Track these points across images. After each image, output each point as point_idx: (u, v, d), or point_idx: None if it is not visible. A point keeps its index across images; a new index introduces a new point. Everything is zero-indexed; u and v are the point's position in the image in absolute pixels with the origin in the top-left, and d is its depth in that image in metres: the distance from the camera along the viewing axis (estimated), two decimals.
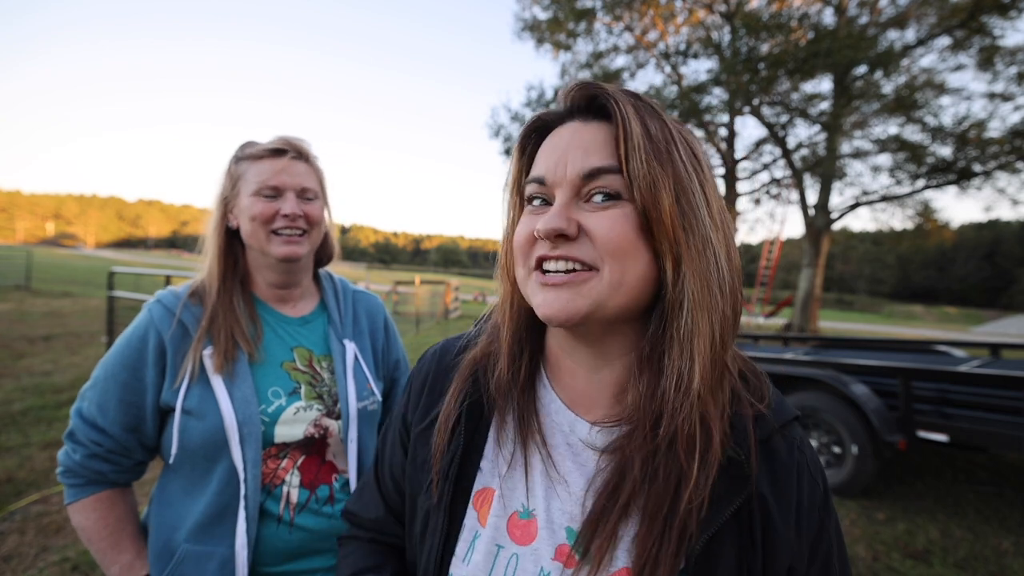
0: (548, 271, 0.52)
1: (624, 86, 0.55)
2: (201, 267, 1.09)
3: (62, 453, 0.98)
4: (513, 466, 0.58)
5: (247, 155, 1.06)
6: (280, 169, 1.03)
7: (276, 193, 1.03)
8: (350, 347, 1.14)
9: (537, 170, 0.55)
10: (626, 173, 0.49)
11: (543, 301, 0.52)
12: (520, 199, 0.60)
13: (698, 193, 0.51)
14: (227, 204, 1.07)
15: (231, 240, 1.09)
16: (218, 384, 0.96)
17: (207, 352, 0.98)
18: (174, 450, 0.95)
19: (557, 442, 0.58)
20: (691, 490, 0.48)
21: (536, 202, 0.55)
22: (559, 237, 0.51)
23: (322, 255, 1.21)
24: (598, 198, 0.51)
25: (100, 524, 0.96)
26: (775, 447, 0.54)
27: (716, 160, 16.38)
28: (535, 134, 0.59)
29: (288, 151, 1.05)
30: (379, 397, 1.16)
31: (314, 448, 1.04)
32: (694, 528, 0.48)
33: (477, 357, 0.64)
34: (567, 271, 0.51)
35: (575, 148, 0.52)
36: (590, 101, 0.54)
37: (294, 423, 1.01)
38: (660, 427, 0.50)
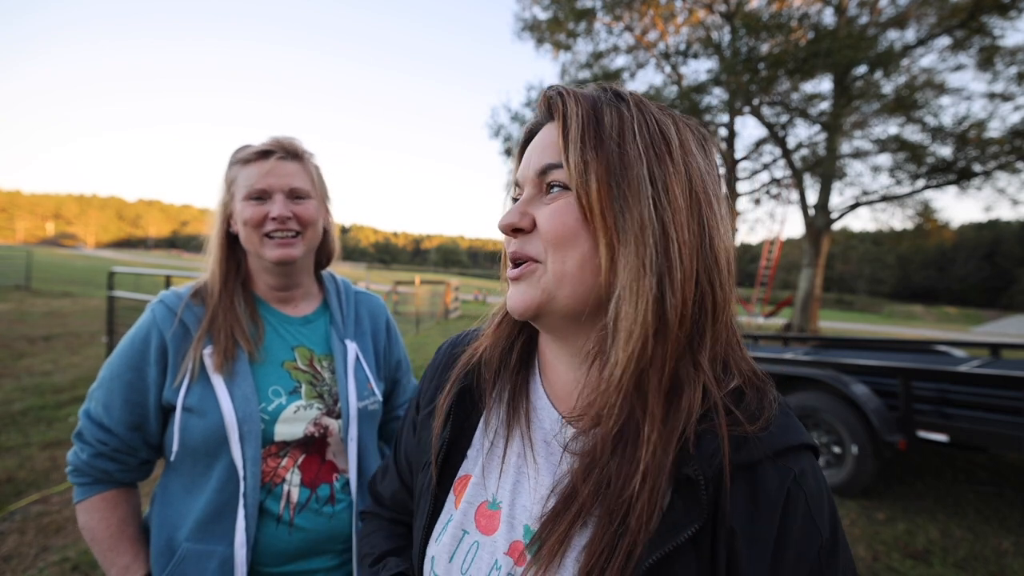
0: (512, 265, 0.55)
1: (624, 86, 0.55)
2: (204, 269, 1.09)
3: (71, 453, 0.99)
4: (492, 456, 0.59)
5: (238, 159, 1.05)
6: (267, 171, 1.02)
7: (264, 196, 1.02)
8: (351, 347, 1.13)
9: (516, 174, 0.60)
10: (567, 165, 0.51)
11: (509, 295, 0.55)
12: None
13: (642, 175, 0.49)
14: (226, 209, 1.07)
15: (233, 245, 1.09)
16: (218, 382, 0.96)
17: (207, 351, 0.98)
18: (175, 447, 0.96)
19: (536, 438, 0.58)
20: (640, 504, 0.45)
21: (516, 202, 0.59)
22: (515, 231, 0.54)
23: (322, 255, 1.20)
24: (554, 191, 0.53)
25: (103, 525, 0.97)
26: (763, 477, 0.46)
27: (716, 160, 16.30)
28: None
29: (275, 152, 1.04)
30: (380, 397, 1.16)
31: (314, 447, 1.04)
32: (643, 547, 0.44)
33: (478, 347, 0.66)
34: (520, 264, 0.54)
35: (538, 148, 0.56)
36: (548, 103, 0.56)
37: (294, 422, 1.01)
38: (623, 436, 0.49)
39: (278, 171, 1.03)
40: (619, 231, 0.48)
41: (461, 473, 0.61)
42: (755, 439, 0.47)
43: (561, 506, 0.50)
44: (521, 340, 0.64)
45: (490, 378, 0.62)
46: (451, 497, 0.60)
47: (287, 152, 1.05)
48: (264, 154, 1.03)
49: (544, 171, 0.53)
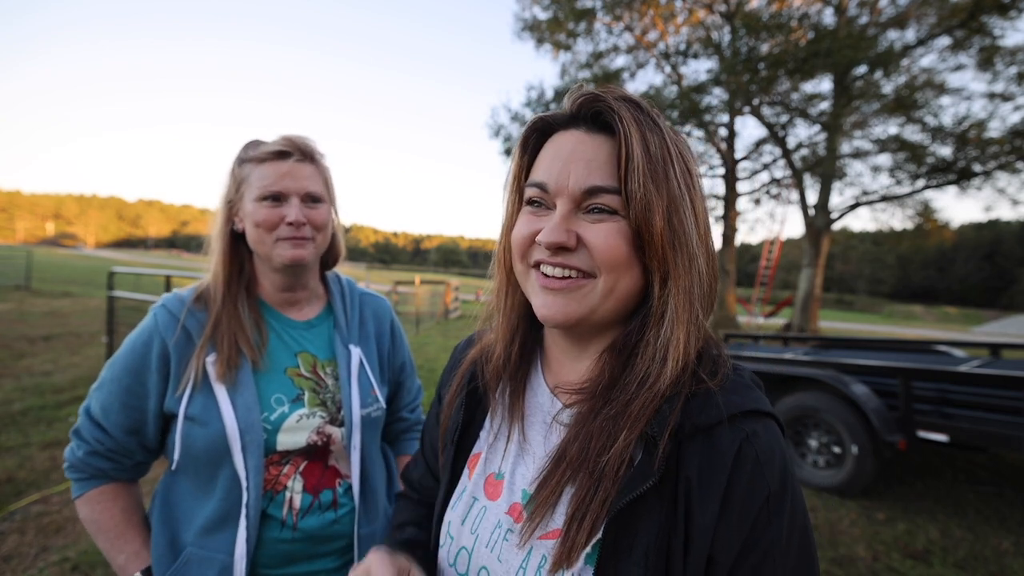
0: (547, 274, 0.56)
1: (624, 86, 0.56)
2: (206, 269, 1.07)
3: (68, 449, 0.99)
4: (499, 438, 0.67)
5: (251, 157, 1.02)
6: (284, 173, 0.99)
7: (280, 198, 0.99)
8: (355, 352, 1.12)
9: (539, 175, 0.58)
10: (624, 193, 0.53)
11: (543, 303, 0.57)
12: (519, 196, 0.63)
13: (688, 211, 0.54)
14: (231, 207, 1.04)
15: (236, 243, 1.06)
16: (221, 392, 0.95)
17: (210, 359, 0.97)
18: (176, 456, 0.95)
19: (536, 420, 0.65)
20: (614, 460, 0.52)
21: (536, 205, 0.59)
22: (560, 249, 0.55)
23: (328, 257, 1.18)
24: (596, 212, 0.54)
25: (106, 515, 0.97)
26: (717, 435, 0.51)
27: (716, 160, 16.37)
28: (537, 134, 0.62)
29: (292, 153, 1.01)
30: (383, 404, 1.15)
31: (316, 454, 1.04)
32: (613, 497, 0.50)
33: (476, 354, 0.73)
34: (563, 276, 0.55)
35: (578, 161, 0.55)
36: (596, 115, 0.55)
37: (296, 431, 1.01)
38: (611, 408, 0.55)
39: (296, 173, 1.00)
40: (674, 265, 0.53)
41: (474, 451, 0.69)
42: (715, 405, 0.52)
43: (552, 466, 0.56)
44: (519, 339, 0.69)
45: (493, 378, 0.69)
46: (466, 471, 0.69)
47: (303, 154, 1.02)
48: (281, 155, 1.00)
49: (593, 191, 0.53)
